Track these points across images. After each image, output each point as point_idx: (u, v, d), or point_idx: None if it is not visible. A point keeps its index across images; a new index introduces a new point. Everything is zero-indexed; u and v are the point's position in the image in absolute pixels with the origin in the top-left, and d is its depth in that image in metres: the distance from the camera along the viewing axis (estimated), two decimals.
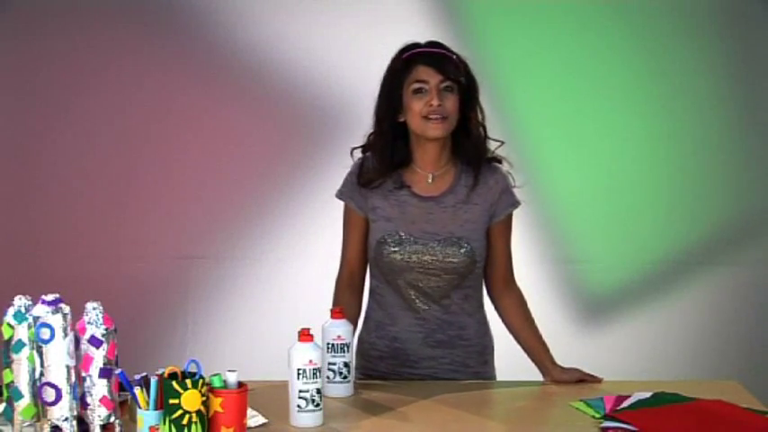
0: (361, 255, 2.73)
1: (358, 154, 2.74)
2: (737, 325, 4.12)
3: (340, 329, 2.49)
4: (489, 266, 2.71)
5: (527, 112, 4.05)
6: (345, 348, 2.48)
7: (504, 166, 2.70)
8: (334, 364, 2.47)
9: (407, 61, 2.59)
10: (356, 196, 2.69)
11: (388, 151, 2.64)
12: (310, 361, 2.25)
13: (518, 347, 2.74)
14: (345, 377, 2.49)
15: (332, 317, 2.52)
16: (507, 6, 4.06)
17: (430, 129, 2.57)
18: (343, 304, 2.64)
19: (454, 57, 2.60)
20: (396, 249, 2.63)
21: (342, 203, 2.74)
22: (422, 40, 2.66)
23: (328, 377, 2.47)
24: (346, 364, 2.48)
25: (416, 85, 2.56)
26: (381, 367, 2.72)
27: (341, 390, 2.49)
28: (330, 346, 2.48)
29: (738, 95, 4.07)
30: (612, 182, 4.10)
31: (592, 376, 2.63)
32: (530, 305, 2.75)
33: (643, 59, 4.06)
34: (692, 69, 4.05)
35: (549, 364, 2.67)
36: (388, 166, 2.65)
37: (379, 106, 2.64)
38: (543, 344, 2.71)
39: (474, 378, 2.70)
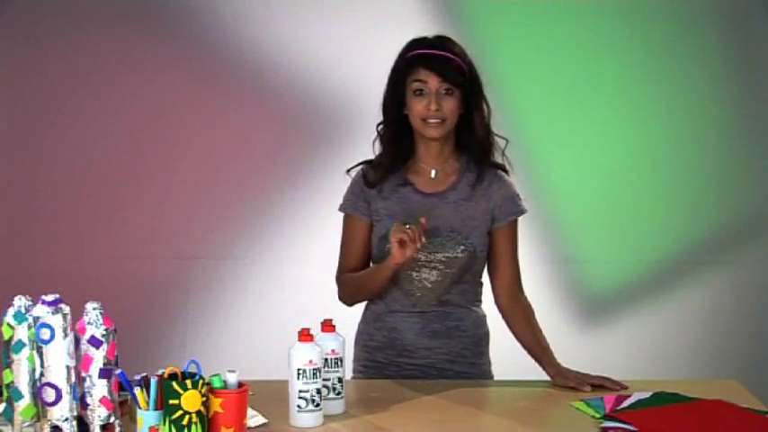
0: (364, 260, 2.74)
1: (353, 174, 2.75)
2: (737, 325, 4.11)
3: (333, 343, 2.32)
4: (495, 274, 2.72)
5: (527, 111, 4.05)
6: (339, 363, 2.32)
7: (510, 176, 2.72)
8: (328, 379, 2.30)
9: (410, 60, 2.62)
10: (360, 204, 2.72)
11: (395, 142, 2.68)
12: (310, 361, 2.24)
13: (517, 346, 2.73)
14: (339, 393, 2.33)
15: (322, 330, 2.34)
16: (507, 6, 4.06)
17: (427, 130, 2.62)
18: (352, 277, 2.70)
19: (457, 59, 2.61)
20: None
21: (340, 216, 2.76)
22: (430, 34, 2.69)
23: None
24: (340, 380, 2.33)
25: (417, 86, 2.60)
26: (379, 357, 2.73)
27: (335, 407, 2.32)
28: (323, 360, 2.29)
29: (738, 95, 4.07)
30: (612, 181, 4.10)
31: (599, 378, 2.57)
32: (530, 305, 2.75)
33: (643, 59, 4.06)
34: (691, 69, 4.06)
35: (551, 370, 2.64)
36: (395, 158, 2.69)
37: (386, 98, 2.69)
38: (546, 352, 2.68)
39: (470, 368, 2.71)
